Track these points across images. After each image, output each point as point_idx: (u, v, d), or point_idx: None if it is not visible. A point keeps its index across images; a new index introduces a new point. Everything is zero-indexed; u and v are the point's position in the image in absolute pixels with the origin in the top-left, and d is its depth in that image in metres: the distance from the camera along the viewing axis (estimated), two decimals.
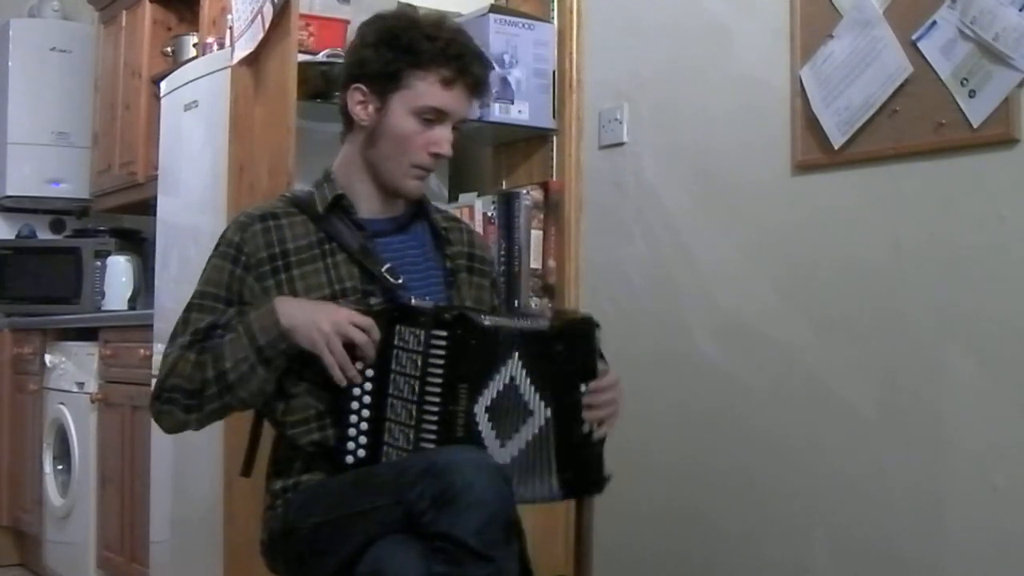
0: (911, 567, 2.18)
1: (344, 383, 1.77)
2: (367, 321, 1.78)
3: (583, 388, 1.87)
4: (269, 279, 1.89)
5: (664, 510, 2.68)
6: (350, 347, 1.77)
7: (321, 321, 1.77)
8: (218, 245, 1.95)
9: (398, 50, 1.89)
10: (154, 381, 1.89)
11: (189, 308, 1.91)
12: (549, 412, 1.84)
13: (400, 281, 1.89)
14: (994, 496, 2.06)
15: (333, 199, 1.94)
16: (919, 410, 2.18)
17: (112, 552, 3.80)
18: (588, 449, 1.87)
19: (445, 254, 2.02)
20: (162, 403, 1.85)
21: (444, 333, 1.77)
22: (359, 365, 1.78)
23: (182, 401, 1.83)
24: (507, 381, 1.82)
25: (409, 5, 1.96)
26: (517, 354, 1.83)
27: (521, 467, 1.82)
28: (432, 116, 1.89)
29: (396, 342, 1.78)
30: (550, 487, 1.84)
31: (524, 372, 1.83)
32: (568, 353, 1.86)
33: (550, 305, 1.99)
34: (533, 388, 1.84)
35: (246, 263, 1.90)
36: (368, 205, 1.97)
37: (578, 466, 1.86)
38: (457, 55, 1.88)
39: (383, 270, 1.90)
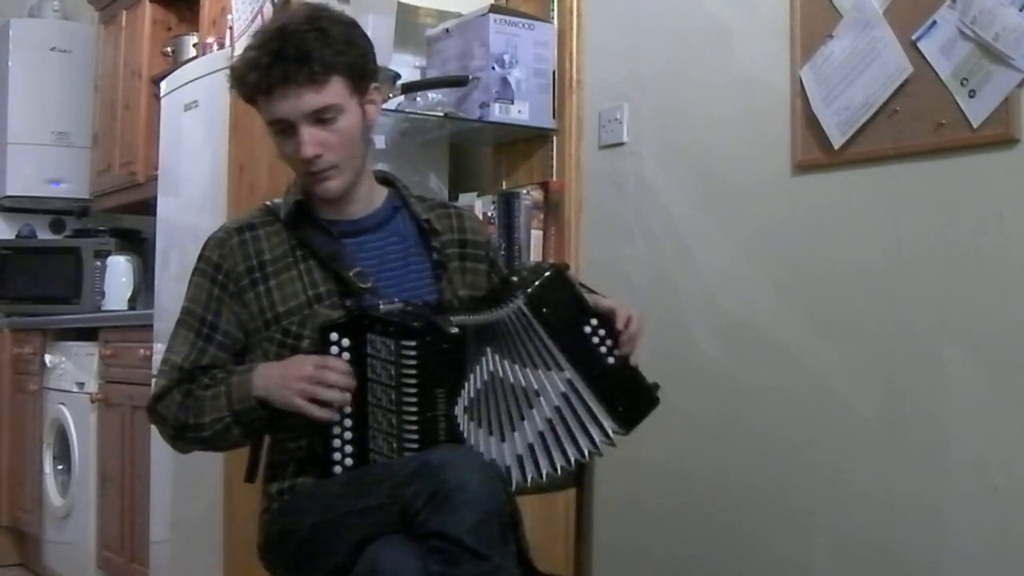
0: (911, 567, 2.18)
1: (333, 418, 1.78)
2: (335, 362, 1.77)
3: (588, 328, 1.85)
4: (248, 292, 1.90)
5: (663, 510, 2.68)
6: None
7: (291, 381, 1.77)
8: (199, 260, 1.96)
9: (236, 82, 1.89)
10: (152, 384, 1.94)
11: (178, 323, 1.95)
12: (569, 371, 1.83)
13: (369, 285, 1.88)
14: (994, 496, 2.05)
15: (294, 205, 1.93)
16: (919, 410, 2.18)
17: (112, 552, 3.80)
18: (626, 374, 1.87)
19: (431, 246, 1.99)
20: (154, 420, 1.94)
21: (413, 343, 1.75)
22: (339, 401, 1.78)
23: (168, 431, 1.91)
24: (485, 378, 1.81)
25: (303, 5, 1.93)
26: (489, 349, 1.81)
27: (553, 445, 1.82)
28: (280, 127, 1.86)
29: (369, 351, 1.77)
30: (601, 432, 1.84)
31: (506, 362, 1.82)
32: (555, 309, 1.84)
33: (509, 274, 1.93)
34: (530, 369, 1.83)
35: (224, 282, 1.91)
36: (330, 207, 1.95)
37: (625, 396, 1.86)
38: (254, 63, 1.83)
39: (351, 274, 1.88)
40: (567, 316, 1.85)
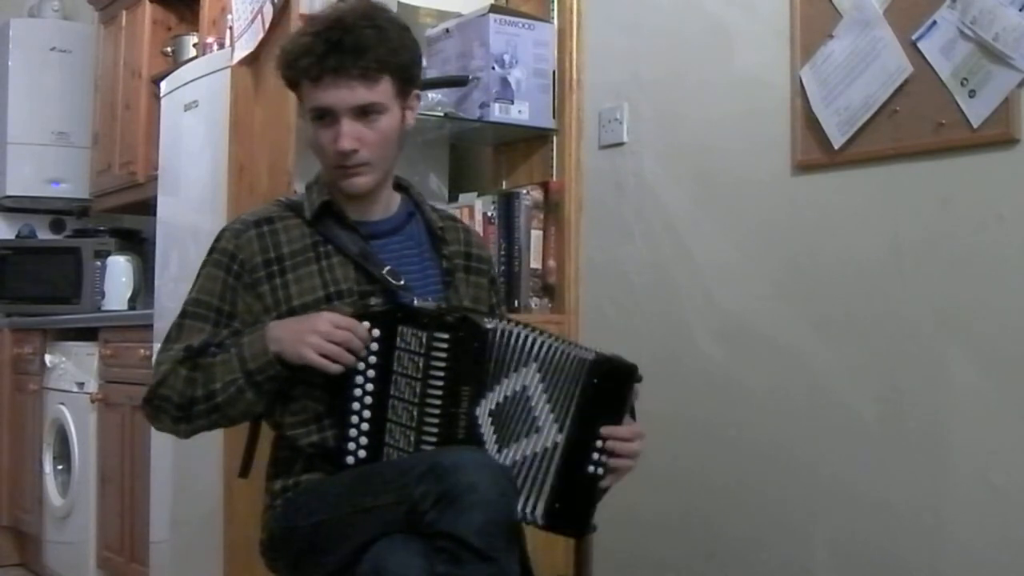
0: (912, 568, 2.18)
1: (343, 372, 1.77)
2: (348, 321, 1.78)
3: (603, 430, 1.84)
4: (264, 284, 1.89)
5: (662, 513, 2.67)
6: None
7: (304, 334, 1.77)
8: (212, 251, 1.95)
9: (284, 65, 1.89)
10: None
11: (183, 314, 1.92)
12: (561, 438, 1.82)
13: (402, 283, 1.89)
14: (994, 496, 2.06)
15: (320, 205, 1.93)
16: (919, 410, 2.18)
17: (112, 552, 3.80)
18: (588, 490, 1.84)
19: (442, 254, 2.00)
20: (152, 408, 1.89)
21: (446, 335, 1.77)
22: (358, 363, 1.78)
23: (172, 412, 1.86)
24: (517, 388, 1.81)
25: (379, 6, 1.94)
26: (535, 366, 1.81)
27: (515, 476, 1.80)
28: (321, 115, 1.86)
29: (398, 343, 1.78)
30: (533, 511, 1.81)
31: (540, 386, 1.82)
32: (602, 390, 1.83)
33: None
34: (548, 407, 1.82)
35: (238, 272, 1.90)
36: (355, 208, 1.95)
37: (571, 503, 1.83)
38: (309, 49, 1.83)
39: (384, 272, 1.89)
40: (602, 405, 1.84)
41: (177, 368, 1.85)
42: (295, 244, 1.92)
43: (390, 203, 2.01)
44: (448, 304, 1.94)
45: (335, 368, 1.77)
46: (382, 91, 1.85)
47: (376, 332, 1.79)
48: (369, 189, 1.92)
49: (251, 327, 1.88)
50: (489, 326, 1.81)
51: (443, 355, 1.76)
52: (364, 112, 1.85)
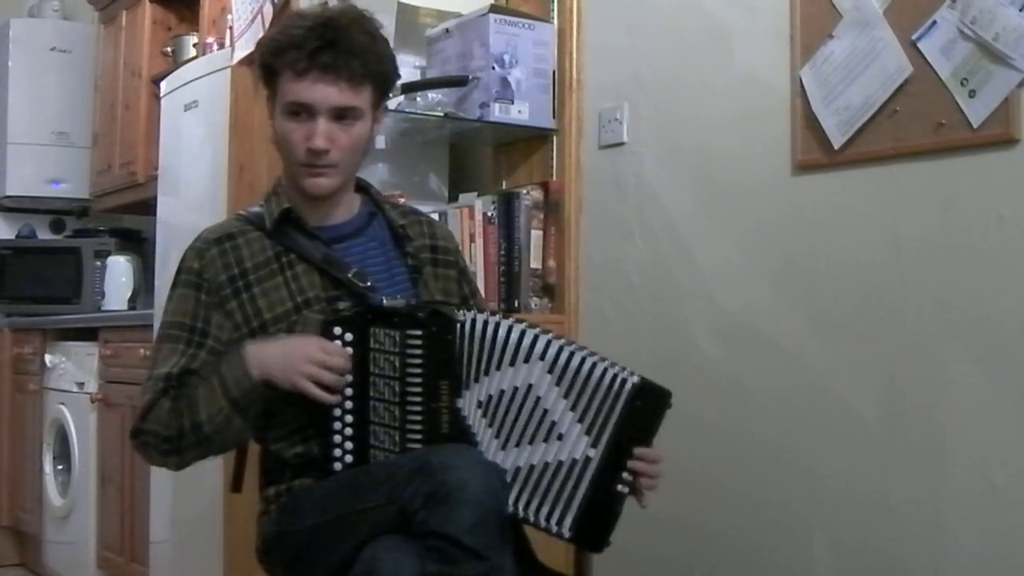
0: (912, 568, 2.18)
1: (333, 403, 1.78)
2: (338, 348, 1.78)
3: (636, 451, 1.83)
4: (231, 302, 1.88)
5: (662, 511, 2.67)
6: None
7: (296, 363, 1.76)
8: (179, 273, 1.93)
9: (269, 53, 1.88)
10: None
11: (161, 339, 1.90)
12: (596, 453, 1.80)
13: (368, 284, 1.88)
14: (994, 496, 2.05)
15: (280, 214, 1.92)
16: (919, 410, 2.18)
17: (112, 552, 3.81)
18: (615, 508, 1.83)
19: (406, 251, 2.00)
20: (140, 443, 1.87)
21: (419, 332, 1.76)
22: (344, 388, 1.79)
23: (160, 446, 1.83)
24: (518, 384, 1.79)
25: (351, 6, 1.95)
26: (543, 365, 1.79)
27: (531, 485, 1.80)
28: (297, 110, 1.85)
29: (372, 345, 1.78)
30: (559, 522, 1.80)
31: (555, 390, 1.80)
32: (643, 414, 1.83)
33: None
34: (572, 415, 1.80)
35: (208, 288, 1.89)
36: (316, 213, 1.94)
37: (599, 519, 1.82)
38: (299, 43, 1.82)
39: (350, 275, 1.88)
40: (640, 427, 1.84)
41: (160, 400, 1.83)
42: (258, 258, 1.91)
43: (351, 206, 2.00)
44: (418, 300, 1.93)
45: (334, 399, 1.77)
46: (363, 96, 1.86)
47: (349, 336, 1.78)
48: (331, 192, 1.91)
49: (225, 348, 1.86)
50: (462, 318, 1.80)
51: (418, 352, 1.75)
52: (341, 115, 1.85)
